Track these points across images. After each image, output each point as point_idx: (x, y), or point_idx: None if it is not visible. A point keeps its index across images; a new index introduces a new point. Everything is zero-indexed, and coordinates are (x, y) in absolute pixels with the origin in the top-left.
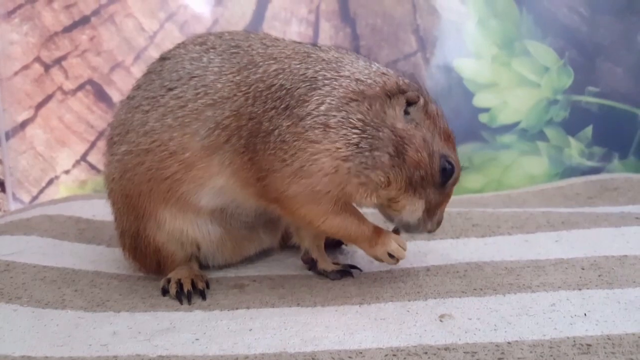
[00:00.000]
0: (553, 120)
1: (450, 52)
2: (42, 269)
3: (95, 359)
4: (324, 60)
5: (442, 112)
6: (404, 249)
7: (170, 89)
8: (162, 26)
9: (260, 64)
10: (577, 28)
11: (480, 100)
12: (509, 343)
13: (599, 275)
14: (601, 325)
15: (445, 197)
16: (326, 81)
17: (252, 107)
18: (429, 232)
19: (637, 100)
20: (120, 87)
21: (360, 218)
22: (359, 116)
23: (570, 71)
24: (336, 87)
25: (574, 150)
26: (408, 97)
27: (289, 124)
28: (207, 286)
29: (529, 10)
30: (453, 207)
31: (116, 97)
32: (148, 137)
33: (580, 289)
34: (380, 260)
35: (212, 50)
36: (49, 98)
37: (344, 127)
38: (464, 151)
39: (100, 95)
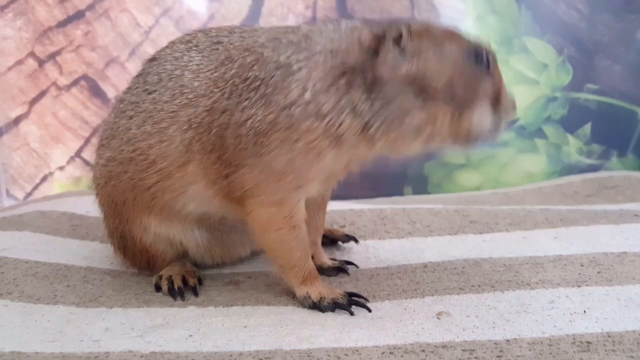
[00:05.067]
0: (551, 118)
1: None
2: (34, 265)
3: (87, 355)
4: (293, 42)
5: (430, 22)
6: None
7: (150, 93)
8: (158, 21)
9: (236, 58)
10: (576, 25)
11: None
12: (507, 341)
13: (599, 272)
14: (601, 322)
15: (498, 79)
16: (301, 64)
17: (227, 101)
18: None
19: (636, 97)
20: (115, 83)
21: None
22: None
23: (569, 68)
24: (313, 68)
25: (573, 148)
26: (391, 37)
27: (266, 113)
28: (200, 282)
29: (528, 7)
30: (450, 205)
31: (111, 92)
32: (130, 145)
33: (579, 286)
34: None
35: (194, 48)
36: (43, 94)
37: (340, 111)
38: None
39: (95, 91)
